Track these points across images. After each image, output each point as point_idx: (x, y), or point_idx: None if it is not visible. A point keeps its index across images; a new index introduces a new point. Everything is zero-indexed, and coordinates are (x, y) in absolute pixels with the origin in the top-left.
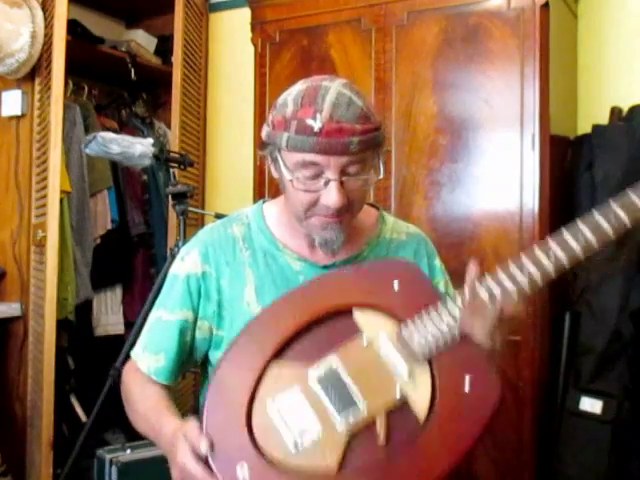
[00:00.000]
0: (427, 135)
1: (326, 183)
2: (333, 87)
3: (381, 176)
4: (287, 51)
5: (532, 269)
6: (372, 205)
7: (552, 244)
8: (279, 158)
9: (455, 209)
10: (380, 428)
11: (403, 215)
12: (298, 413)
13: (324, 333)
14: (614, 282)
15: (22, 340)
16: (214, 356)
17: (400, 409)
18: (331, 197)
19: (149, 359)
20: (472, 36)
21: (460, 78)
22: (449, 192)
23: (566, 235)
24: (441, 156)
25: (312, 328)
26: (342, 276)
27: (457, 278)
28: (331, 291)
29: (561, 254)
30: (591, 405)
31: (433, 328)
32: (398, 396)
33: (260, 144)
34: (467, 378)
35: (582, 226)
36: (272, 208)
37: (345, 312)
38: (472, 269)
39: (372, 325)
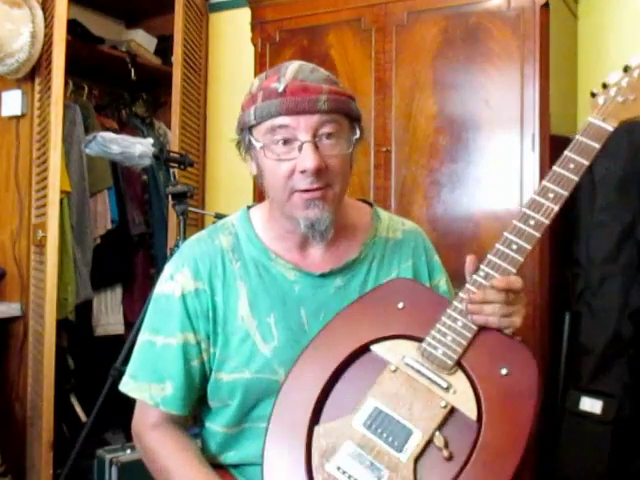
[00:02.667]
0: (427, 135)
1: (300, 148)
2: (297, 62)
3: (353, 144)
4: (287, 51)
5: (518, 241)
6: (365, 202)
7: (526, 211)
8: (251, 141)
9: (455, 209)
10: (439, 443)
11: (403, 215)
12: (358, 465)
13: (352, 380)
14: (614, 282)
15: (22, 340)
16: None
17: (452, 419)
18: (306, 159)
19: (152, 389)
20: (472, 36)
21: (460, 78)
22: (449, 192)
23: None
24: (441, 156)
25: (338, 380)
26: (347, 317)
27: (458, 278)
28: (342, 337)
29: (538, 216)
30: (591, 405)
31: (451, 333)
32: (443, 405)
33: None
34: (500, 363)
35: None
36: (258, 213)
37: (364, 351)
38: (469, 264)
39: (394, 353)
